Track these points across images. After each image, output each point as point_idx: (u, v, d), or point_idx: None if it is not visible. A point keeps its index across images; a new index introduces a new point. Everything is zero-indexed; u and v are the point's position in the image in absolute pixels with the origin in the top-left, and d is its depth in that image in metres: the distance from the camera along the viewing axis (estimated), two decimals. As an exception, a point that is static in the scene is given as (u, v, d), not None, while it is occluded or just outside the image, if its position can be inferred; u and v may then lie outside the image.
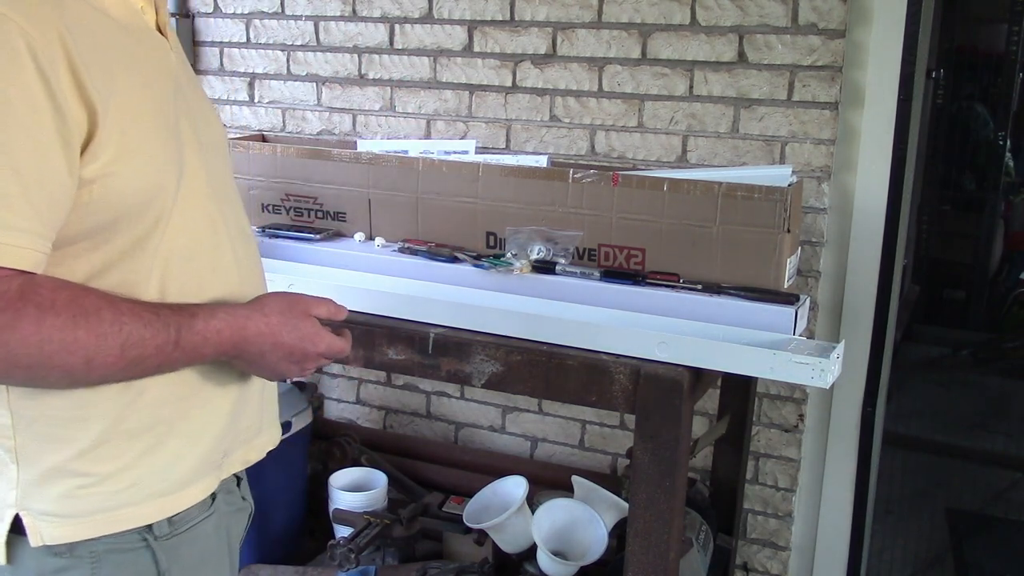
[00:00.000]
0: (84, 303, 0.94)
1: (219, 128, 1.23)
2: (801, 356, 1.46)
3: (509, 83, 2.28)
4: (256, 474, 2.11)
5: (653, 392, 1.49)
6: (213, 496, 1.16)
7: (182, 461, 1.09)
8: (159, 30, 1.11)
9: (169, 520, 1.08)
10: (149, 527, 1.06)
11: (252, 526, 2.14)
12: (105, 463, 1.04)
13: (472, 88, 2.32)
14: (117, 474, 1.04)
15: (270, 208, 2.11)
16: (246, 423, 1.19)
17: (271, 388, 1.27)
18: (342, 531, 2.16)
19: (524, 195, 1.86)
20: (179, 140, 1.06)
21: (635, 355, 1.53)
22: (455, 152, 2.06)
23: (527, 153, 2.11)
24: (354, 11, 2.40)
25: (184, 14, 2.58)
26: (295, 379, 2.67)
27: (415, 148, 2.06)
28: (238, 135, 2.48)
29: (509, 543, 1.99)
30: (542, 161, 1.99)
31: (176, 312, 1.01)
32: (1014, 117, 4.86)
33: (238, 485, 1.26)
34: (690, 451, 1.63)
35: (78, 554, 1.03)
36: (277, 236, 2.04)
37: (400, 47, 2.37)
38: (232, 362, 1.08)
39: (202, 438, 1.11)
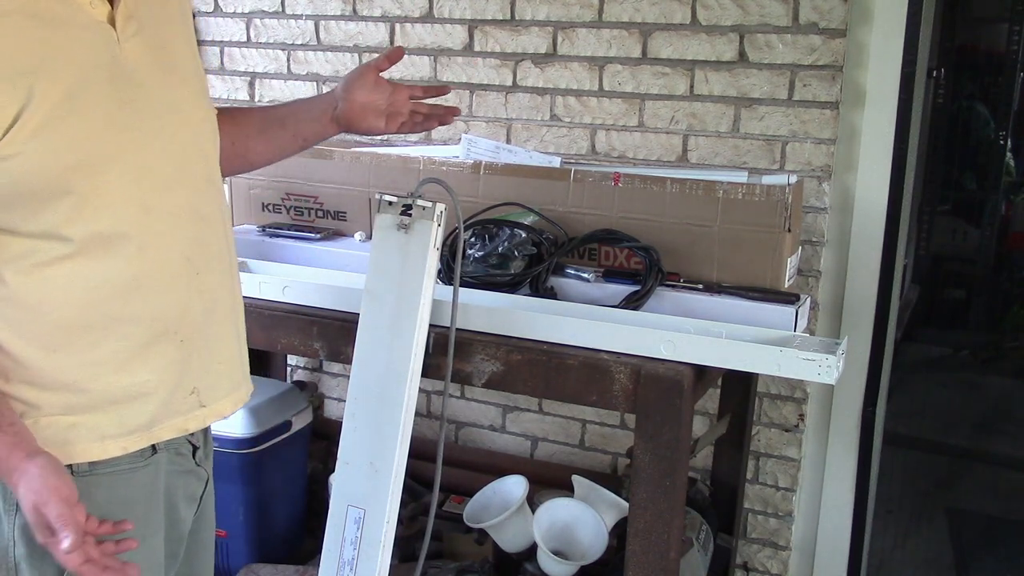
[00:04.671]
0: None
1: (192, 116, 1.23)
2: (807, 352, 1.45)
3: (509, 82, 2.28)
4: (257, 473, 2.15)
5: (653, 392, 1.49)
6: (154, 450, 1.21)
7: (100, 426, 1.16)
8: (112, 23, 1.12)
9: (89, 463, 1.15)
10: (69, 465, 1.12)
11: (253, 525, 2.17)
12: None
13: (473, 87, 2.32)
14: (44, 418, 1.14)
15: (270, 207, 2.11)
16: (182, 396, 1.23)
17: (223, 365, 1.29)
18: (342, 530, 2.16)
19: (525, 194, 1.86)
20: (104, 123, 1.09)
21: (640, 354, 1.52)
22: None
23: (542, 153, 2.09)
24: (355, 10, 2.40)
25: (184, 13, 2.57)
26: (297, 380, 2.68)
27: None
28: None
29: (509, 543, 1.99)
30: (555, 162, 1.99)
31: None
32: (1015, 116, 4.85)
33: (194, 454, 1.30)
34: (690, 451, 1.63)
35: None
36: (277, 235, 2.04)
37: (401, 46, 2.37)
38: None
39: (125, 406, 1.17)
